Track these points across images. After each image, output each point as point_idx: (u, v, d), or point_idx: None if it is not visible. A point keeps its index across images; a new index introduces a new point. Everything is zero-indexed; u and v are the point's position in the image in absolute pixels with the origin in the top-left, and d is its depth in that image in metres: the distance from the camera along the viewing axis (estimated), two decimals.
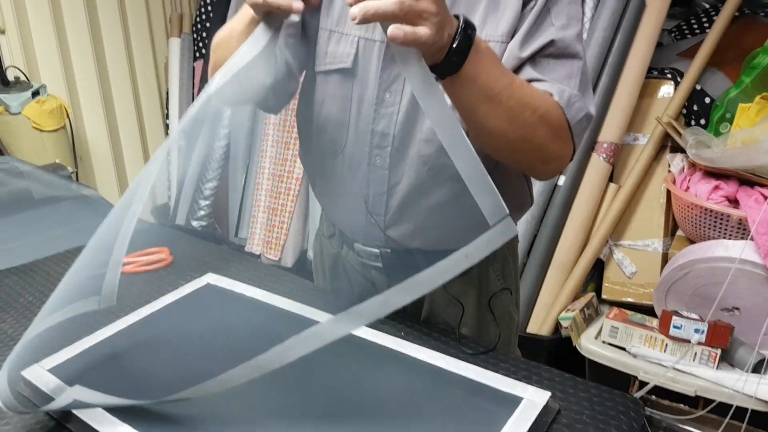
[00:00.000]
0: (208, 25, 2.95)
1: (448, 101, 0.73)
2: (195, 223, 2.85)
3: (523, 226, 2.04)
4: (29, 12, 2.47)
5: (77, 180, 2.43)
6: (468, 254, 0.62)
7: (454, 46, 0.67)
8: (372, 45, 0.89)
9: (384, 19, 0.64)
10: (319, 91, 0.96)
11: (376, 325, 0.95)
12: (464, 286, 1.03)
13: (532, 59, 0.82)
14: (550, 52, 0.82)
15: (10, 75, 2.38)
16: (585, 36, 1.99)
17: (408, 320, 1.00)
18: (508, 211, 0.67)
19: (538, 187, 2.01)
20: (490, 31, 0.85)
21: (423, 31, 0.63)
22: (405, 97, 0.88)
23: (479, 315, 1.05)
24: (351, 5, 0.64)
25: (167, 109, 3.08)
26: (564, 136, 0.82)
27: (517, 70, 0.83)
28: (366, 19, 0.63)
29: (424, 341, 0.93)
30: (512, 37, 0.84)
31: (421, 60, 0.66)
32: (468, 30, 0.68)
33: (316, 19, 0.94)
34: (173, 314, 1.00)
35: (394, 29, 0.63)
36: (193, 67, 3.01)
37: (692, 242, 1.80)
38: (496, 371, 0.85)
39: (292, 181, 2.53)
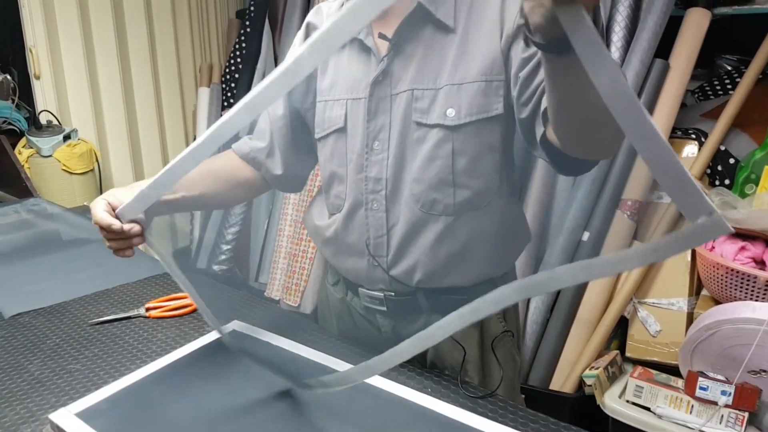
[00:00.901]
0: (237, 75, 3.03)
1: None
2: (216, 267, 2.86)
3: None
4: (64, 59, 2.55)
5: None
6: (657, 249, 0.49)
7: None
8: (358, 103, 0.97)
9: None
10: (321, 155, 1.07)
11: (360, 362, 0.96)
12: (466, 329, 1.03)
13: None
14: None
15: (43, 119, 2.46)
16: None
17: (412, 364, 1.01)
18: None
19: (561, 243, 2.01)
20: (462, 74, 0.91)
21: None
22: (392, 144, 0.95)
23: (482, 358, 1.07)
24: None
25: None
26: None
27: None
28: None
29: (428, 386, 0.95)
30: (486, 74, 0.89)
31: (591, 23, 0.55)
32: None
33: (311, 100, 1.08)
34: (200, 361, 1.00)
35: None
36: (221, 115, 3.07)
37: (718, 302, 1.78)
38: (505, 423, 0.84)
39: None
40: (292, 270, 2.57)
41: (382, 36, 0.94)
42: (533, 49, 0.84)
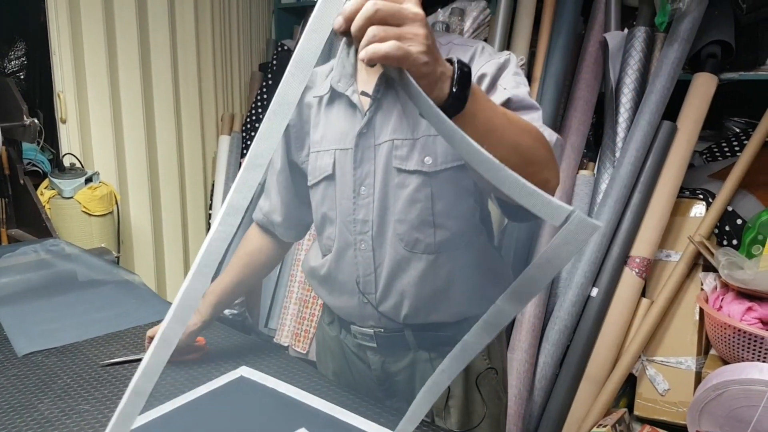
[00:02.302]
0: (257, 125, 3.12)
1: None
2: (227, 312, 2.88)
3: (555, 335, 2.03)
4: (90, 104, 2.64)
5: (118, 263, 2.51)
6: (550, 259, 0.52)
7: (455, 82, 0.67)
8: (345, 153, 1.06)
9: (374, 47, 0.62)
10: (313, 201, 1.15)
11: (360, 411, 1.00)
12: None
13: None
14: (508, 107, 0.90)
15: (67, 161, 2.53)
16: (617, 154, 2.05)
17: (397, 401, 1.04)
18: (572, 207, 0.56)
19: (570, 297, 2.02)
20: None
21: (413, 48, 0.61)
22: (377, 188, 1.03)
23: (466, 395, 1.13)
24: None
25: (211, 200, 3.20)
26: (553, 157, 0.87)
27: None
28: (371, 59, 0.61)
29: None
30: None
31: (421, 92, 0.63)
32: (464, 68, 0.68)
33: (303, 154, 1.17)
34: (207, 406, 1.02)
35: (387, 47, 0.60)
36: (240, 163, 3.16)
37: (726, 362, 1.77)
38: None
39: None
40: (302, 316, 2.59)
41: (364, 93, 1.03)
42: None
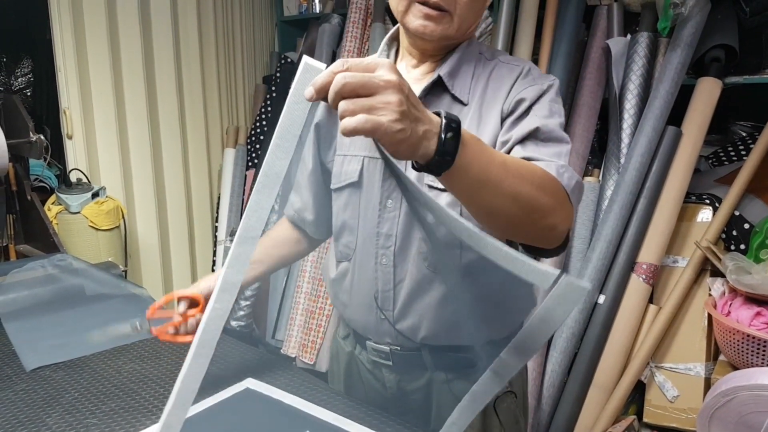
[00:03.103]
0: (261, 137, 3.13)
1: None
2: (234, 323, 2.89)
3: (563, 343, 2.02)
4: (96, 120, 2.66)
5: (125, 277, 2.52)
6: (544, 319, 0.53)
7: (443, 139, 0.67)
8: (375, 162, 1.05)
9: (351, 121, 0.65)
10: (335, 205, 1.14)
11: (368, 422, 0.98)
12: (466, 386, 1.05)
13: (521, 143, 0.91)
14: (536, 136, 0.90)
15: (73, 177, 2.54)
16: (622, 160, 2.05)
17: (415, 426, 1.02)
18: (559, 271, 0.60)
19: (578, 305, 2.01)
20: None
21: (384, 118, 0.62)
22: (404, 203, 1.01)
23: (484, 418, 1.09)
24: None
25: (217, 212, 3.21)
26: (563, 200, 0.84)
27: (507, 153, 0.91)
28: (343, 133, 0.64)
29: None
30: (492, 146, 0.95)
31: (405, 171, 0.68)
32: (452, 123, 0.68)
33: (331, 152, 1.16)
34: (213, 418, 1.02)
35: (355, 121, 0.61)
36: (245, 176, 3.17)
37: (735, 368, 1.76)
38: None
39: None
40: (309, 327, 2.59)
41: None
42: (510, 133, 0.93)
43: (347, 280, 1.12)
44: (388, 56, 1.10)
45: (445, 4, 0.94)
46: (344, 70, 0.61)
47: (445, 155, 0.67)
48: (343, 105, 0.61)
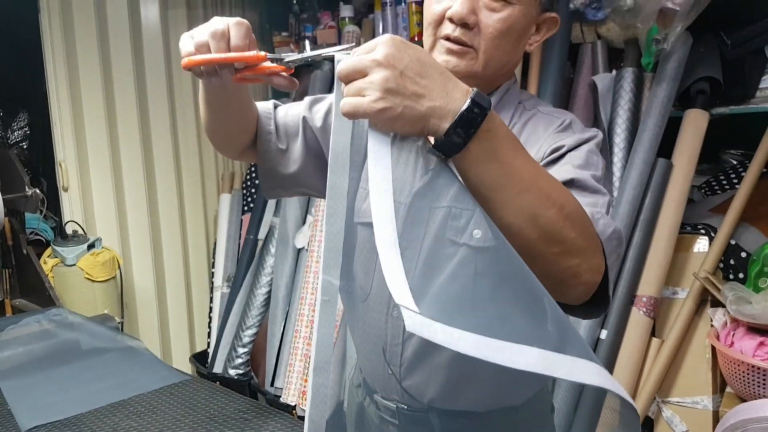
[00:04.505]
0: (257, 182, 3.14)
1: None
2: (232, 372, 2.85)
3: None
4: (92, 172, 2.68)
5: (122, 328, 2.50)
6: None
7: (456, 120, 0.64)
8: (397, 206, 0.94)
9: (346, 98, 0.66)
10: (353, 240, 1.02)
11: None
12: None
13: None
14: (570, 185, 0.82)
15: (69, 229, 2.55)
16: (615, 194, 2.06)
17: None
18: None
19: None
20: None
21: (363, 101, 0.63)
22: (422, 255, 0.89)
23: None
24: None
25: (213, 258, 3.20)
26: (594, 245, 0.74)
27: None
28: (347, 113, 0.65)
29: None
30: None
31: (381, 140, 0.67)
32: (475, 108, 0.64)
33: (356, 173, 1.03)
34: None
35: (342, 105, 0.65)
36: (241, 220, 3.17)
37: (743, 399, 1.73)
38: None
39: None
40: (308, 373, 2.55)
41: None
42: None
43: (360, 324, 1.05)
44: None
45: (467, 40, 0.90)
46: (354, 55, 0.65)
47: (455, 137, 0.65)
48: (344, 90, 0.65)
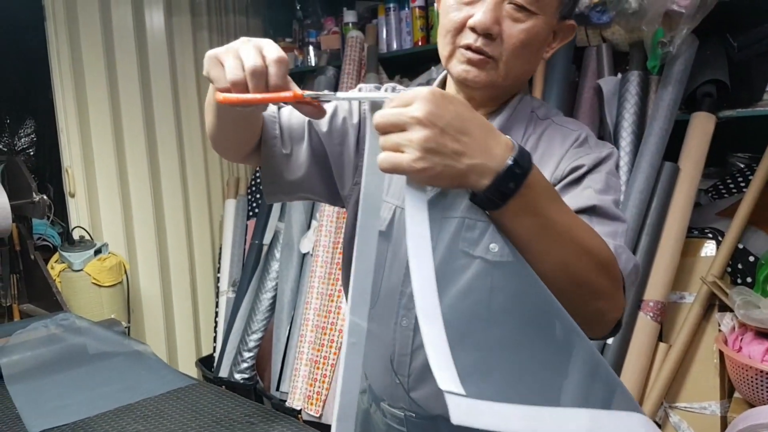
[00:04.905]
0: (262, 187, 3.15)
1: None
2: (238, 376, 2.85)
3: None
4: (98, 178, 2.69)
5: (128, 333, 2.50)
6: None
7: (498, 179, 0.64)
8: (403, 212, 0.94)
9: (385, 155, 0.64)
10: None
11: None
12: None
13: None
14: (591, 212, 0.83)
15: (76, 235, 2.56)
16: (621, 198, 2.05)
17: None
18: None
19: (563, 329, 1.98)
20: None
21: (402, 158, 0.62)
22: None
23: None
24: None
25: (219, 263, 3.21)
26: (619, 286, 0.77)
27: None
28: (385, 169, 0.64)
29: None
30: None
31: (420, 204, 0.65)
32: (516, 169, 0.64)
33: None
34: None
35: (379, 160, 0.64)
36: (246, 225, 3.18)
37: (751, 405, 1.72)
38: None
39: (335, 333, 2.55)
40: (314, 377, 2.55)
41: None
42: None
43: (368, 330, 1.05)
44: None
45: (489, 50, 0.88)
46: (389, 106, 0.64)
47: (494, 194, 0.65)
48: (380, 141, 0.64)
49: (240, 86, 0.72)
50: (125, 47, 2.75)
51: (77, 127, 2.60)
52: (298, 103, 0.75)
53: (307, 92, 0.73)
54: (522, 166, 0.65)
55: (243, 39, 0.75)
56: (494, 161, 0.64)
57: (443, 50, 0.93)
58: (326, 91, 0.78)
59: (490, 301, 0.83)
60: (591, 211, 0.82)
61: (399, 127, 0.62)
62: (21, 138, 3.60)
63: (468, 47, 0.88)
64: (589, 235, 0.73)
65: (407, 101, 0.63)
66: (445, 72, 1.00)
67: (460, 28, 0.89)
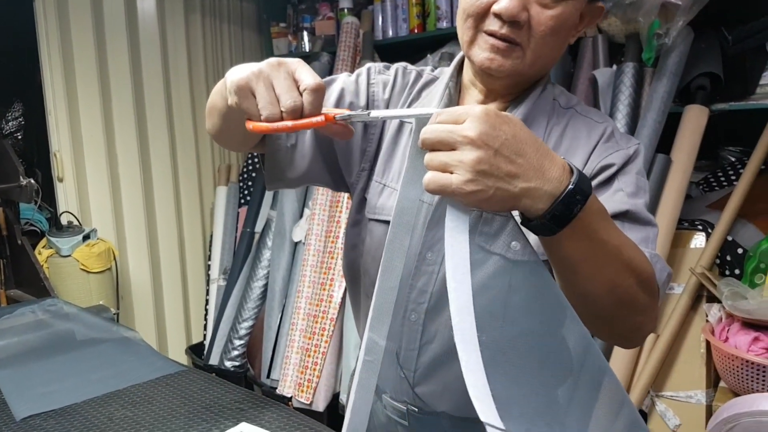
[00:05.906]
0: (254, 174, 3.13)
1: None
2: (228, 364, 2.85)
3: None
4: (87, 163, 2.66)
5: (117, 319, 2.49)
6: None
7: (556, 205, 0.61)
8: (420, 205, 0.87)
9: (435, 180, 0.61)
10: (365, 236, 1.00)
11: None
12: None
13: None
14: (624, 217, 0.81)
15: (64, 220, 2.53)
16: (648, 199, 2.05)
17: None
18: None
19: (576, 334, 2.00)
20: None
21: (452, 180, 0.59)
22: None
23: None
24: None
25: (209, 251, 3.19)
26: (656, 301, 0.76)
27: None
28: (433, 191, 0.61)
29: None
30: None
31: (461, 226, 0.62)
32: (577, 195, 0.61)
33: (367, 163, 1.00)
34: None
35: (425, 180, 0.60)
36: (237, 213, 3.16)
37: (736, 394, 1.74)
38: None
39: (326, 321, 2.55)
40: (305, 365, 2.55)
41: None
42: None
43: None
44: (452, 90, 0.97)
45: (516, 37, 0.82)
46: (436, 121, 0.60)
47: (550, 222, 0.62)
48: (426, 158, 0.60)
49: (275, 119, 0.69)
50: (115, 29, 2.70)
51: (66, 111, 2.56)
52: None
53: (339, 114, 0.69)
54: (583, 192, 0.62)
55: (273, 62, 0.71)
56: (550, 184, 0.61)
57: (463, 35, 0.87)
58: (360, 111, 0.74)
59: (507, 300, 0.79)
60: (623, 216, 0.80)
61: (449, 146, 0.59)
62: (9, 121, 3.55)
63: (492, 34, 0.83)
64: (634, 252, 0.71)
65: (458, 118, 0.59)
66: (462, 54, 0.95)
67: (483, 14, 0.84)
